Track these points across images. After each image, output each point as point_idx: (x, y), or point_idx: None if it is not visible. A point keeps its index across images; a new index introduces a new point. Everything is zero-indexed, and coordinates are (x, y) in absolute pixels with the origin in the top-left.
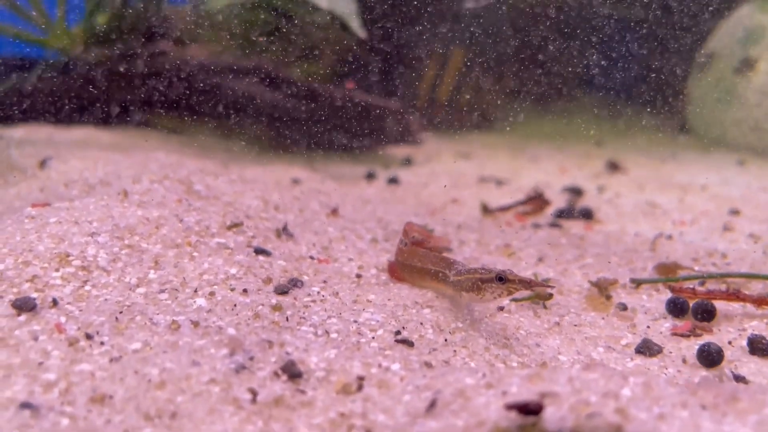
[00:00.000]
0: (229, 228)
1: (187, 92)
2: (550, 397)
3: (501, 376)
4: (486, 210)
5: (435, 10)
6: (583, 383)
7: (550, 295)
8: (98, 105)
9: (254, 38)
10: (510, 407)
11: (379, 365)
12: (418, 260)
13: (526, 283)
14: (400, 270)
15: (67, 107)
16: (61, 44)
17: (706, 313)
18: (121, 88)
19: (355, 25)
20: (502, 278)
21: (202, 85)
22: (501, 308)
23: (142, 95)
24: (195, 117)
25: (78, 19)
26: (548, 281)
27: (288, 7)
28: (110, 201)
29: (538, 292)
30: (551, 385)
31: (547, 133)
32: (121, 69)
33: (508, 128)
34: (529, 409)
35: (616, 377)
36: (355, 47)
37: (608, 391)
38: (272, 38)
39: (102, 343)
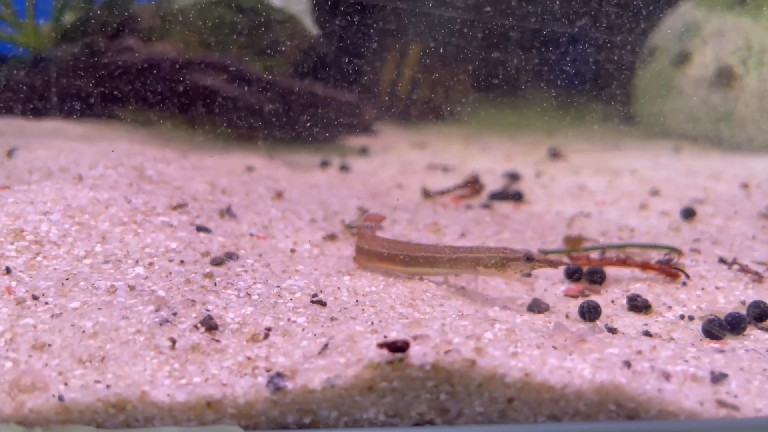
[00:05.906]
0: (175, 208)
1: (153, 86)
2: (420, 339)
3: (386, 324)
4: (426, 194)
5: (391, 6)
6: (453, 328)
7: None
8: (67, 99)
9: (217, 35)
10: (381, 346)
11: (288, 319)
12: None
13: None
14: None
15: (37, 101)
16: (31, 41)
17: (597, 277)
18: (89, 82)
19: (308, 22)
20: (529, 258)
21: (167, 79)
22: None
23: (110, 89)
24: (160, 110)
25: (47, 17)
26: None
27: (249, 6)
28: (65, 184)
29: None
30: (425, 330)
31: (501, 123)
32: (89, 65)
33: (463, 119)
34: (397, 347)
35: (483, 323)
36: (313, 42)
37: (472, 334)
38: (234, 35)
39: (46, 303)
